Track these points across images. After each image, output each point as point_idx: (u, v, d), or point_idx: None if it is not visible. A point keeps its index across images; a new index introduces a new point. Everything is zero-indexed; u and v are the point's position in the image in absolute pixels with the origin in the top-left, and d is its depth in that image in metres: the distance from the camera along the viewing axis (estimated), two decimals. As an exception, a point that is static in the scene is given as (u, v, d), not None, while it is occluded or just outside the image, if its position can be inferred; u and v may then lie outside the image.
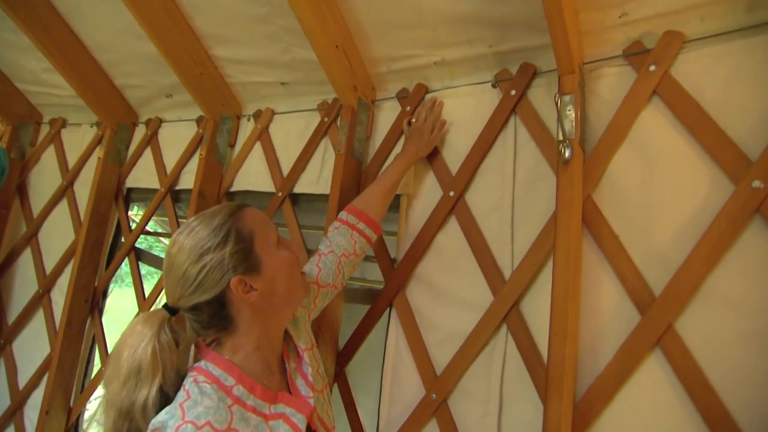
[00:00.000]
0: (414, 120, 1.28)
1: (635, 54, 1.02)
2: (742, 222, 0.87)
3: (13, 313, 2.15)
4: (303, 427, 0.79)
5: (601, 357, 0.97)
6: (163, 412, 0.70)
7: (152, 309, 0.97)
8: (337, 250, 1.08)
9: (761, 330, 0.84)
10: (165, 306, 0.79)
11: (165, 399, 0.72)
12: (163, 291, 1.87)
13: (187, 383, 0.73)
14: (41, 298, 2.06)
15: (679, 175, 0.96)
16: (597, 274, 1.00)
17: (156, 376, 0.72)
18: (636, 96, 1.01)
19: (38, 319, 2.07)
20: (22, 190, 2.28)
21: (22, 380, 2.04)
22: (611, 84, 1.06)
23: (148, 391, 0.71)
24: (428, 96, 1.32)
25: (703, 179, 0.93)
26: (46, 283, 2.06)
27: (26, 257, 2.18)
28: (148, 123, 1.97)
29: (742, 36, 0.93)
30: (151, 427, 0.69)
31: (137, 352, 0.73)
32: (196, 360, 0.80)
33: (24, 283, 2.16)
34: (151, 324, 0.76)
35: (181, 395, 0.72)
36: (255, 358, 0.81)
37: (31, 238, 2.18)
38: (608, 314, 0.98)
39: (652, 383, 0.91)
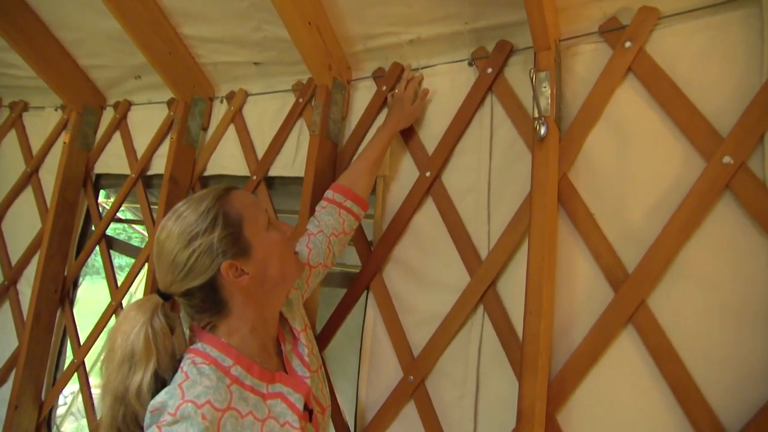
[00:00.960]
0: (396, 90, 1.25)
1: (611, 30, 1.01)
2: (712, 198, 0.88)
3: (-23, 306, 2.05)
4: (300, 406, 0.81)
5: (575, 334, 0.97)
6: (162, 392, 0.70)
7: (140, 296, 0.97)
8: (326, 229, 1.07)
9: (730, 304, 0.86)
10: (157, 291, 0.79)
11: (161, 383, 0.73)
12: (137, 280, 1.82)
13: (185, 365, 0.74)
14: (7, 290, 1.98)
15: (652, 152, 0.96)
16: (572, 252, 1.00)
17: (150, 361, 0.73)
18: (611, 73, 1.00)
19: (4, 312, 1.98)
20: (-18, 178, 2.17)
21: (-11, 376, 1.97)
22: (587, 61, 1.05)
23: (142, 376, 0.72)
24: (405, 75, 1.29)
25: (676, 156, 0.93)
26: (12, 274, 1.98)
27: (-11, 247, 2.09)
28: (116, 106, 1.89)
29: (715, 12, 0.93)
30: (150, 408, 0.69)
31: (130, 338, 0.74)
32: (191, 343, 0.80)
33: (-13, 274, 2.06)
34: (144, 310, 0.76)
35: (179, 376, 0.72)
36: (251, 340, 0.82)
37: (-6, 228, 2.08)
38: (583, 292, 0.99)
39: (625, 359, 0.92)
